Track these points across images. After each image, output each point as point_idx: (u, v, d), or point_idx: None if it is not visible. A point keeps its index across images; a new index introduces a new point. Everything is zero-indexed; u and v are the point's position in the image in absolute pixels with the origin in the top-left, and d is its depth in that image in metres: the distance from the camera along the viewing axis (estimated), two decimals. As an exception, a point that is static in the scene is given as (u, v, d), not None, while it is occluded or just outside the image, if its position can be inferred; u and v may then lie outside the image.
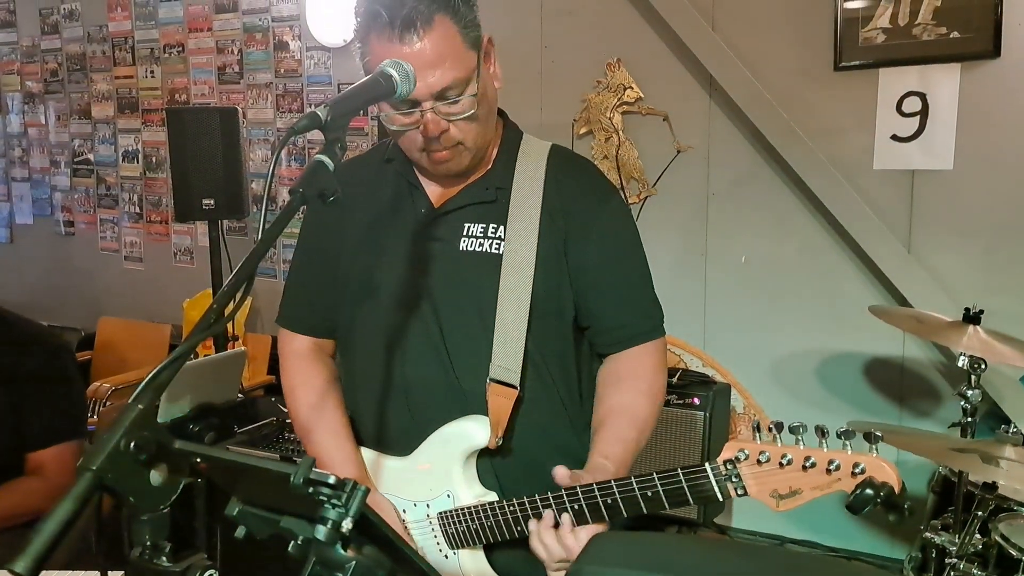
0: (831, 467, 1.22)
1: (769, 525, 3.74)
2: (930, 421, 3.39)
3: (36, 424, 2.41)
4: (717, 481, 1.32)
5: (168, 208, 5.38)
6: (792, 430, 1.26)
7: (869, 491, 1.17)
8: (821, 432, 1.23)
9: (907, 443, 2.31)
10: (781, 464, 1.25)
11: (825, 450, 1.24)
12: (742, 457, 1.29)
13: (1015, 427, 2.93)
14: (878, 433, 1.20)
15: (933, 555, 2.55)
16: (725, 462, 1.31)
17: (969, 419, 2.59)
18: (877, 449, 1.21)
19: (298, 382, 1.77)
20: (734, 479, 1.30)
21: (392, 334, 1.64)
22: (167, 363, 0.99)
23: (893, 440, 2.29)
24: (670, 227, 3.81)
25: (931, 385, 3.41)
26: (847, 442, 1.23)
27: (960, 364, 2.56)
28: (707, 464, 1.33)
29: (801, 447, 1.25)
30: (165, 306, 5.19)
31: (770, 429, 1.28)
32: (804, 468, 1.24)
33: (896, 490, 1.18)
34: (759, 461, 1.27)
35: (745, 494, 1.30)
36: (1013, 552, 2.27)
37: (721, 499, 1.33)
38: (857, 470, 1.21)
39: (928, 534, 2.56)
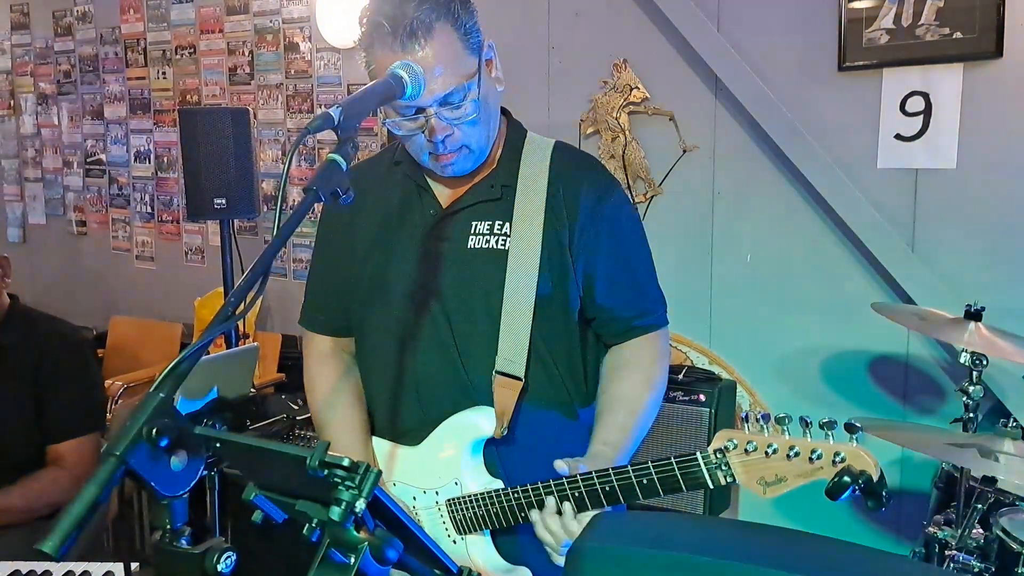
0: (813, 456, 1.29)
1: (772, 520, 3.76)
2: (934, 418, 3.41)
3: (57, 417, 2.47)
4: (708, 469, 1.39)
5: (179, 208, 5.44)
6: (778, 420, 1.33)
7: (847, 478, 1.24)
8: (804, 423, 1.31)
9: (907, 438, 2.34)
10: (767, 453, 1.33)
11: (809, 440, 1.31)
12: (731, 447, 1.36)
13: (1015, 421, 2.95)
14: (858, 424, 1.27)
15: (936, 550, 2.57)
16: (715, 451, 1.38)
17: (971, 415, 2.62)
18: (857, 439, 1.28)
19: (315, 380, 1.85)
20: (723, 467, 1.37)
21: (403, 331, 1.69)
22: (187, 354, 1.03)
23: (893, 436, 2.33)
24: (676, 226, 3.84)
25: (935, 382, 3.44)
26: (829, 432, 1.29)
27: (962, 360, 2.59)
28: (698, 453, 1.40)
29: (786, 437, 1.33)
30: (176, 305, 5.23)
31: (758, 420, 1.35)
32: (788, 457, 1.31)
33: (874, 478, 1.25)
34: (747, 450, 1.35)
35: (734, 481, 1.36)
36: (1014, 546, 2.29)
37: (712, 487, 1.40)
38: (837, 459, 1.28)
39: (931, 529, 2.58)
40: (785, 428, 1.33)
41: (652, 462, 1.44)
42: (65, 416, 2.48)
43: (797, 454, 1.30)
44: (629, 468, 1.45)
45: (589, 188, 1.71)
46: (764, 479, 1.33)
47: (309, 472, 0.92)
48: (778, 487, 1.33)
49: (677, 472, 1.41)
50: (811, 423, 1.30)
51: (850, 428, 1.28)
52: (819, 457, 1.28)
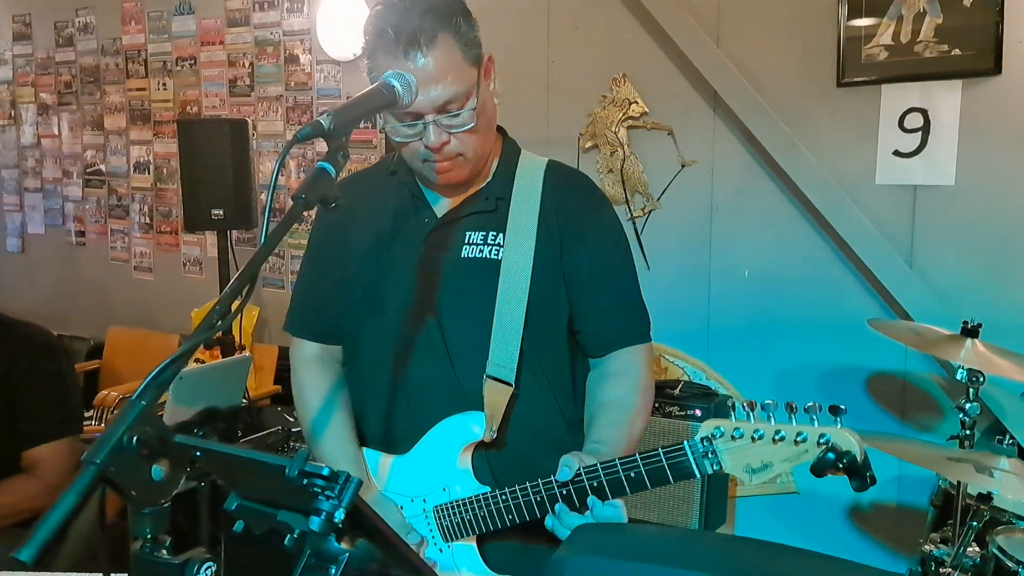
0: (799, 439, 1.31)
1: (768, 536, 3.74)
2: (932, 435, 3.39)
3: (30, 421, 2.44)
4: (695, 458, 1.39)
5: (178, 219, 5.43)
6: (764, 407, 1.34)
7: (831, 455, 1.26)
8: (790, 408, 1.32)
9: (902, 452, 2.33)
10: (753, 439, 1.34)
11: (795, 424, 1.32)
12: (718, 434, 1.37)
13: (1011, 438, 2.94)
14: (842, 407, 1.29)
15: (932, 568, 2.55)
16: (703, 439, 1.39)
17: (968, 432, 2.60)
18: (841, 422, 1.30)
19: (305, 388, 1.85)
20: (711, 455, 1.38)
21: (397, 339, 1.71)
22: (169, 361, 1.02)
23: (889, 450, 2.32)
24: (674, 241, 3.83)
25: (933, 399, 3.42)
26: (814, 416, 1.31)
27: (959, 377, 2.58)
28: (685, 442, 1.40)
29: (772, 423, 1.34)
30: (174, 316, 5.23)
31: (744, 408, 1.36)
32: (774, 441, 1.32)
33: (859, 458, 1.26)
34: (733, 437, 1.35)
35: (721, 469, 1.37)
36: (1010, 564, 2.28)
37: (699, 476, 1.40)
38: (822, 440, 1.29)
39: (927, 547, 2.57)
40: (771, 414, 1.34)
41: (640, 454, 1.45)
42: (38, 420, 2.45)
43: (783, 437, 1.31)
44: (617, 462, 1.46)
45: (581, 204, 1.76)
46: (751, 465, 1.34)
47: (288, 481, 0.91)
48: (764, 473, 1.34)
49: (664, 463, 1.42)
50: (796, 408, 1.32)
51: (835, 411, 1.30)
52: (804, 439, 1.30)
